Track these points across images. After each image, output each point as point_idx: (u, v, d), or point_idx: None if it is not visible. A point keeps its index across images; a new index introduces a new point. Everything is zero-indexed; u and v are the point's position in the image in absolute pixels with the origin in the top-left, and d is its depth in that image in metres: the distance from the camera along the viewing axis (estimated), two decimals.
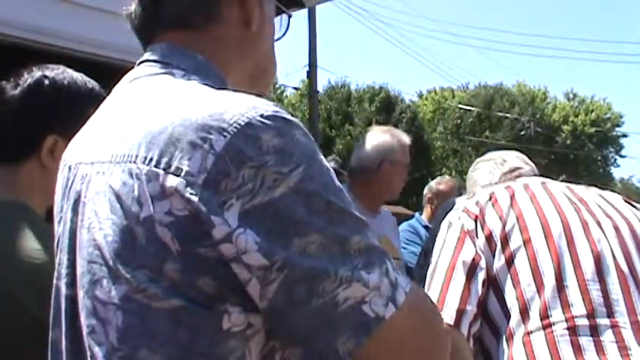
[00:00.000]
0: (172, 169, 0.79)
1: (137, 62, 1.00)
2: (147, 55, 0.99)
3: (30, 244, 1.31)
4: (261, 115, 0.81)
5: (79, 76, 1.48)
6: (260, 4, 1.03)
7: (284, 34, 1.12)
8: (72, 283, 0.93)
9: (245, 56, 1.03)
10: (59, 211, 0.99)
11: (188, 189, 0.78)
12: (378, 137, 3.05)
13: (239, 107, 0.81)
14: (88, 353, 0.87)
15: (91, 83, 1.49)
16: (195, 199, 0.78)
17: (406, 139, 3.11)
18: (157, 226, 0.80)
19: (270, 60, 1.08)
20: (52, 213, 1.46)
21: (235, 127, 0.79)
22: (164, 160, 0.80)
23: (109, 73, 1.41)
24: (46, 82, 1.43)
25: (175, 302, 0.80)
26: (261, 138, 0.79)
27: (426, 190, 4.35)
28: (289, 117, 0.84)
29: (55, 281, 0.98)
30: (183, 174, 0.79)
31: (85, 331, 0.88)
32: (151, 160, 0.81)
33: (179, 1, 0.99)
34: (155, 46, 0.99)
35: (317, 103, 17.85)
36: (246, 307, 0.81)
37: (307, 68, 17.08)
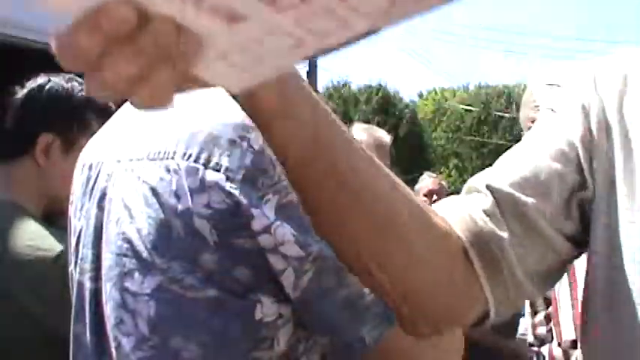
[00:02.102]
0: (212, 164, 0.84)
1: None
2: None
3: (25, 240, 1.31)
4: None
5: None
6: None
7: None
8: (96, 278, 0.95)
9: None
10: (79, 208, 1.01)
11: (228, 183, 0.82)
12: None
13: None
14: (113, 344, 0.89)
15: None
16: (235, 192, 0.82)
17: (386, 138, 2.88)
18: (195, 218, 0.83)
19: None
20: (50, 213, 1.47)
21: None
22: (203, 156, 0.84)
23: None
24: (48, 85, 1.46)
25: (211, 292, 0.84)
26: None
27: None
28: None
29: (77, 276, 1.00)
30: (223, 169, 0.83)
31: (111, 323, 0.90)
32: (190, 156, 0.85)
33: None
34: None
35: None
36: (278, 297, 0.84)
37: (307, 68, 17.13)
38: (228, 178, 0.82)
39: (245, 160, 0.83)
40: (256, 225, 0.82)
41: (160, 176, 0.86)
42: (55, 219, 1.45)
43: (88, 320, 0.96)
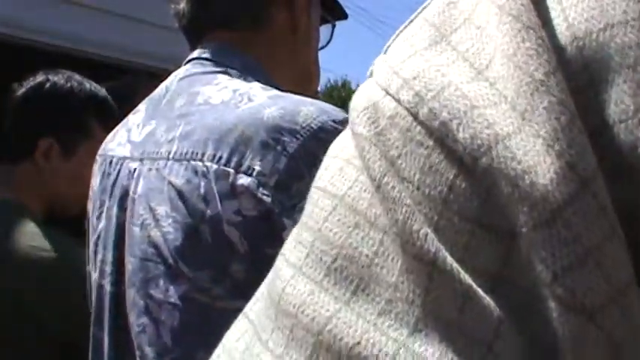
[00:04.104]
0: (243, 168, 0.80)
1: (186, 59, 1.00)
2: (197, 53, 0.98)
3: (27, 241, 1.31)
4: (334, 121, 0.82)
5: (83, 82, 1.49)
6: (307, 11, 1.04)
7: (327, 43, 1.13)
8: (116, 281, 0.92)
9: (290, 60, 1.03)
10: (98, 206, 0.98)
11: (260, 189, 0.78)
12: None
13: (310, 110, 0.82)
14: (137, 353, 0.86)
15: (96, 89, 1.50)
16: (267, 200, 0.78)
17: None
18: (225, 225, 0.79)
19: (314, 66, 1.09)
20: (52, 214, 1.47)
21: (308, 130, 0.80)
22: (234, 159, 0.80)
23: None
24: (47, 85, 1.44)
25: (239, 303, 0.80)
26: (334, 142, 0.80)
27: None
28: None
29: (96, 279, 0.96)
30: (255, 174, 0.79)
31: (135, 330, 0.87)
32: (220, 158, 0.81)
33: (230, 2, 0.99)
34: (206, 44, 0.99)
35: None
36: None
37: None
38: (260, 184, 0.78)
39: (278, 164, 0.79)
40: (287, 236, 0.78)
41: (187, 178, 0.82)
42: (56, 220, 1.45)
43: (107, 325, 0.93)
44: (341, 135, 0.33)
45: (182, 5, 1.01)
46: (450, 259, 0.25)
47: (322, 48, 1.12)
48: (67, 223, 1.45)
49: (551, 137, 0.24)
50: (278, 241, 0.78)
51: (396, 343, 0.25)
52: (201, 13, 1.00)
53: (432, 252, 0.25)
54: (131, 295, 0.88)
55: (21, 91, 1.44)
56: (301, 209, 0.77)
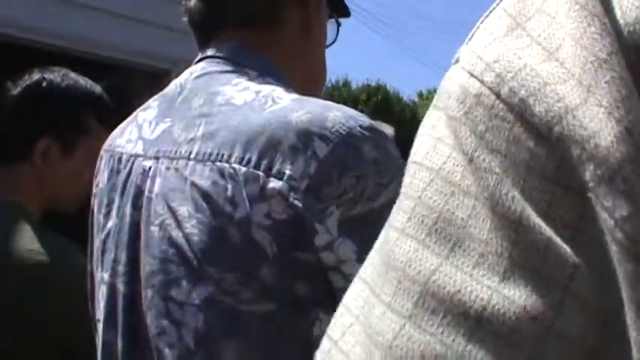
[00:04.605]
0: (274, 171, 0.80)
1: (199, 57, 0.99)
2: (211, 52, 0.97)
3: (26, 244, 1.31)
4: (361, 126, 0.83)
5: (79, 79, 1.48)
6: (318, 10, 1.03)
7: (333, 42, 1.13)
8: (130, 282, 0.91)
9: (302, 59, 1.03)
10: (106, 204, 0.96)
11: (292, 193, 0.78)
12: None
13: (338, 116, 0.82)
14: (155, 354, 0.85)
15: (93, 87, 1.49)
16: (299, 204, 0.78)
17: (389, 131, 3.04)
18: (254, 227, 0.79)
19: (323, 65, 1.09)
20: (50, 215, 1.47)
21: (337, 136, 0.80)
22: (264, 162, 0.80)
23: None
24: (44, 84, 1.43)
25: (268, 306, 0.80)
26: (362, 148, 0.81)
27: None
28: (381, 129, 0.86)
29: (107, 279, 0.94)
30: (285, 177, 0.79)
31: (152, 332, 0.86)
32: (250, 161, 0.81)
33: (245, 0, 0.98)
34: (220, 42, 0.97)
35: None
36: None
37: None
38: (291, 188, 0.78)
39: (309, 168, 0.78)
40: (319, 241, 0.78)
41: (213, 180, 0.82)
42: (54, 221, 1.45)
43: (120, 327, 0.91)
44: (428, 114, 0.37)
45: (193, 2, 0.99)
46: (533, 216, 0.30)
47: (328, 46, 1.12)
48: (65, 221, 1.44)
49: (612, 106, 0.29)
50: (308, 246, 0.78)
51: (489, 289, 0.30)
52: (215, 10, 0.99)
53: (518, 211, 0.30)
54: (148, 296, 0.87)
55: (17, 90, 1.43)
56: (331, 214, 0.78)
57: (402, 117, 27.46)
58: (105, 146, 1.01)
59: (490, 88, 0.32)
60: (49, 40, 2.29)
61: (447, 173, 0.33)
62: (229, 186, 0.81)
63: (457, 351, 0.30)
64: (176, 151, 0.87)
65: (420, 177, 0.35)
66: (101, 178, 0.98)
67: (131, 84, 1.90)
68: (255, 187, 0.79)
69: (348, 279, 0.77)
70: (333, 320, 0.38)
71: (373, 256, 0.38)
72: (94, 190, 1.00)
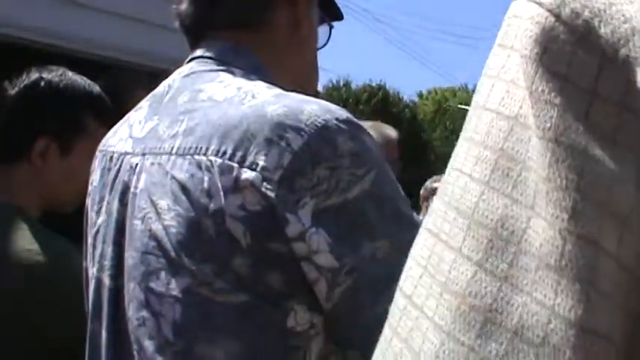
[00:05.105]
0: (247, 163, 0.80)
1: (188, 58, 1.00)
2: (200, 52, 0.99)
3: (24, 244, 1.30)
4: (337, 119, 0.83)
5: (77, 79, 1.48)
6: (308, 12, 1.04)
7: (325, 44, 1.14)
8: (116, 275, 0.92)
9: (292, 60, 1.04)
10: (98, 201, 0.98)
11: (264, 184, 0.79)
12: None
13: (314, 109, 0.83)
14: (135, 347, 0.87)
15: (91, 87, 1.49)
16: (271, 194, 0.79)
17: (393, 133, 2.97)
18: (228, 219, 0.80)
19: (313, 67, 1.10)
20: (49, 215, 1.47)
21: (312, 128, 0.81)
22: (239, 153, 0.81)
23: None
24: (42, 83, 1.43)
25: (241, 297, 0.81)
26: (337, 140, 0.81)
27: (422, 190, 4.34)
28: (360, 123, 0.86)
29: (94, 273, 0.97)
30: (259, 168, 0.80)
31: (133, 324, 0.87)
32: (225, 153, 0.82)
33: (233, 2, 0.99)
34: (209, 43, 0.99)
35: None
36: (311, 306, 0.81)
37: None
38: (264, 178, 0.79)
39: (283, 159, 0.79)
40: (290, 231, 0.78)
41: (191, 173, 0.83)
42: (53, 221, 1.44)
43: (105, 319, 0.93)
44: (493, 54, 0.35)
45: (184, 6, 1.01)
46: (598, 149, 0.30)
47: (320, 48, 1.13)
48: (64, 221, 1.44)
49: None
50: (281, 237, 0.78)
51: (552, 227, 0.30)
52: (204, 13, 1.00)
53: (583, 143, 0.30)
54: (130, 288, 0.88)
55: (15, 90, 1.42)
56: (304, 205, 0.77)
57: (402, 117, 27.47)
58: (99, 146, 1.03)
59: (549, 10, 0.31)
60: (47, 40, 2.29)
61: (524, 119, 0.32)
62: (206, 178, 0.82)
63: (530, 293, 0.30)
64: (160, 147, 0.89)
65: (499, 126, 0.33)
66: (95, 177, 1.00)
67: (130, 84, 1.90)
68: (230, 179, 0.80)
69: (320, 270, 0.79)
70: (404, 274, 0.38)
71: (438, 206, 0.38)
72: (88, 189, 1.02)
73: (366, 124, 3.02)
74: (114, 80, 1.91)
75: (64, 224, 1.40)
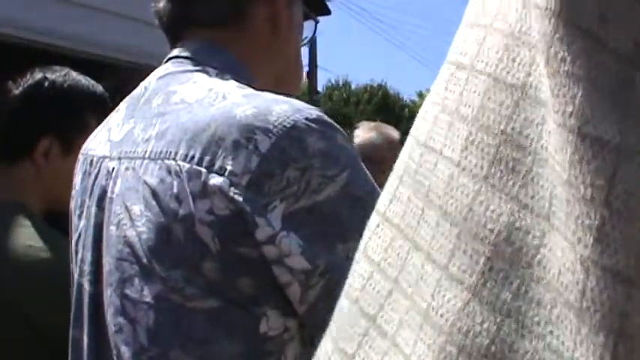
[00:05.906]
0: (216, 167, 0.79)
1: (166, 58, 1.00)
2: (176, 52, 0.98)
3: (27, 241, 1.31)
4: (307, 118, 0.81)
5: (81, 79, 1.48)
6: (288, 9, 1.03)
7: (309, 40, 1.13)
8: (96, 281, 0.92)
9: (272, 58, 1.03)
10: (79, 205, 0.98)
11: (232, 189, 0.78)
12: (362, 135, 2.95)
13: (284, 109, 0.81)
14: (114, 352, 0.86)
15: (94, 87, 1.49)
16: (239, 199, 0.77)
17: (395, 134, 2.94)
18: (197, 224, 0.79)
19: (296, 65, 1.08)
20: (51, 214, 1.47)
21: (281, 129, 0.79)
22: (207, 158, 0.80)
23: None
24: (46, 83, 1.43)
25: (212, 303, 0.80)
26: (307, 140, 0.80)
27: None
28: (332, 121, 0.84)
29: (76, 278, 0.97)
30: (227, 173, 0.78)
31: (111, 329, 0.87)
32: (193, 157, 0.81)
33: (209, 0, 0.98)
34: (185, 42, 0.98)
35: (318, 103, 17.96)
36: (284, 310, 0.80)
37: (307, 68, 17.14)
38: (232, 183, 0.78)
39: (250, 163, 0.78)
40: (260, 235, 0.77)
41: (160, 178, 0.82)
42: (56, 219, 1.44)
43: (86, 325, 0.93)
44: None
45: (162, 3, 1.00)
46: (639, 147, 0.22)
47: (305, 44, 1.12)
48: (67, 220, 1.44)
49: None
50: (250, 241, 0.77)
51: (573, 251, 0.23)
52: (181, 11, 0.99)
53: (618, 138, 0.22)
54: (108, 294, 0.88)
55: (18, 90, 1.43)
56: (274, 208, 0.76)
57: (401, 117, 27.46)
58: (81, 150, 1.03)
59: None
60: (48, 40, 2.29)
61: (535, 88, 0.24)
62: (175, 183, 0.81)
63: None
64: (134, 151, 0.88)
65: (500, 99, 0.26)
66: (76, 181, 1.00)
67: (131, 84, 1.90)
68: (198, 184, 0.79)
69: (292, 272, 0.78)
70: (359, 281, 0.30)
71: (400, 188, 0.30)
72: (72, 193, 1.02)
73: (369, 125, 3.07)
74: (118, 81, 1.91)
75: (66, 224, 1.40)
